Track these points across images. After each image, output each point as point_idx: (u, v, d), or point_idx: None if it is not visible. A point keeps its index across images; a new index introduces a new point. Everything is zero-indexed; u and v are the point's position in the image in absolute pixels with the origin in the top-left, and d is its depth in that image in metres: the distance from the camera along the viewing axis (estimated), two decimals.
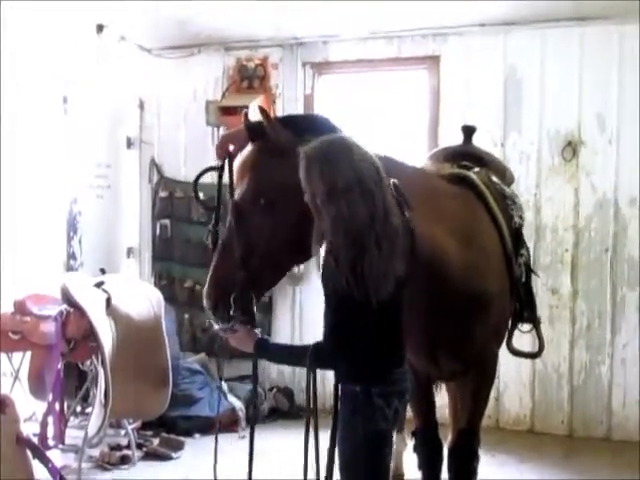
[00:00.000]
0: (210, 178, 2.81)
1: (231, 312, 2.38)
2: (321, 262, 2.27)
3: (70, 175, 5.80)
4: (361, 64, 6.11)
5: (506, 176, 3.80)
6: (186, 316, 6.35)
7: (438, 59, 5.85)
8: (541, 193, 5.61)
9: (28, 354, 4.49)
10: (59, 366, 4.14)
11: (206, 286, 2.43)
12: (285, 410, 5.88)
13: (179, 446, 4.97)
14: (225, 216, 2.51)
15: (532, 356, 3.86)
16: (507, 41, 5.67)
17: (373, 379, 2.31)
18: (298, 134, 2.41)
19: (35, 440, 3.60)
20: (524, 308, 3.46)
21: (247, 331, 2.41)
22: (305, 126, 2.49)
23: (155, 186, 6.63)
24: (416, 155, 4.76)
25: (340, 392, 2.35)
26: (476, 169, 3.45)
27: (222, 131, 5.95)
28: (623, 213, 5.45)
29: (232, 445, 3.87)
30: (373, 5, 5.17)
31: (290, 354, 2.46)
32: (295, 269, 4.80)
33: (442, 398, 3.66)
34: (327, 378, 2.44)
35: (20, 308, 4.29)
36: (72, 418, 4.80)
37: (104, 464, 4.66)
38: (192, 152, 6.40)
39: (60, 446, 4.25)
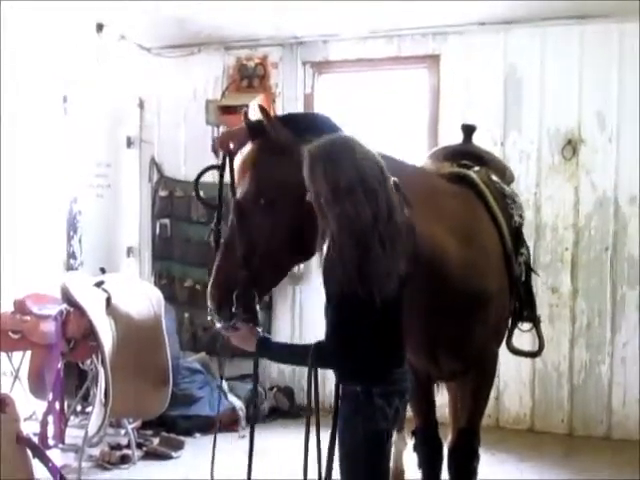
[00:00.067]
0: (210, 177, 2.81)
1: (233, 309, 2.38)
2: (322, 261, 2.27)
3: (70, 174, 5.81)
4: (361, 63, 6.10)
5: (506, 175, 3.80)
6: (186, 315, 6.35)
7: (438, 58, 5.85)
8: (541, 192, 5.61)
9: (28, 353, 4.50)
10: (59, 365, 4.14)
11: (209, 287, 2.43)
12: (285, 410, 5.88)
13: (179, 445, 4.96)
14: (227, 215, 2.51)
15: (532, 355, 3.87)
16: (507, 40, 5.66)
17: (374, 379, 2.31)
18: (298, 133, 2.41)
19: (35, 439, 3.61)
20: (524, 307, 3.46)
21: (249, 329, 2.41)
22: (305, 125, 2.49)
23: (155, 185, 6.63)
24: (416, 154, 4.75)
25: (340, 392, 2.35)
26: (476, 168, 3.45)
27: (222, 130, 5.95)
28: (623, 211, 5.44)
29: (232, 445, 3.89)
30: (373, 4, 5.17)
31: (292, 353, 2.45)
32: (295, 269, 4.80)
33: (442, 397, 3.65)
34: (327, 378, 2.44)
35: (20, 307, 4.29)
36: (72, 417, 4.80)
37: (104, 463, 4.65)
38: (192, 151, 6.40)
39: (60, 445, 4.26)
